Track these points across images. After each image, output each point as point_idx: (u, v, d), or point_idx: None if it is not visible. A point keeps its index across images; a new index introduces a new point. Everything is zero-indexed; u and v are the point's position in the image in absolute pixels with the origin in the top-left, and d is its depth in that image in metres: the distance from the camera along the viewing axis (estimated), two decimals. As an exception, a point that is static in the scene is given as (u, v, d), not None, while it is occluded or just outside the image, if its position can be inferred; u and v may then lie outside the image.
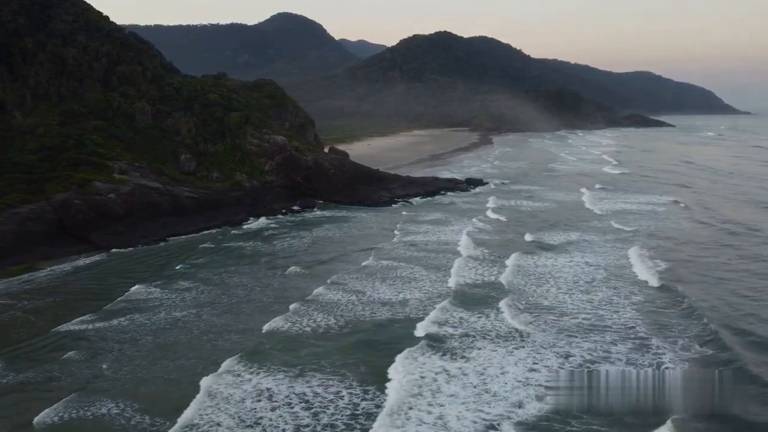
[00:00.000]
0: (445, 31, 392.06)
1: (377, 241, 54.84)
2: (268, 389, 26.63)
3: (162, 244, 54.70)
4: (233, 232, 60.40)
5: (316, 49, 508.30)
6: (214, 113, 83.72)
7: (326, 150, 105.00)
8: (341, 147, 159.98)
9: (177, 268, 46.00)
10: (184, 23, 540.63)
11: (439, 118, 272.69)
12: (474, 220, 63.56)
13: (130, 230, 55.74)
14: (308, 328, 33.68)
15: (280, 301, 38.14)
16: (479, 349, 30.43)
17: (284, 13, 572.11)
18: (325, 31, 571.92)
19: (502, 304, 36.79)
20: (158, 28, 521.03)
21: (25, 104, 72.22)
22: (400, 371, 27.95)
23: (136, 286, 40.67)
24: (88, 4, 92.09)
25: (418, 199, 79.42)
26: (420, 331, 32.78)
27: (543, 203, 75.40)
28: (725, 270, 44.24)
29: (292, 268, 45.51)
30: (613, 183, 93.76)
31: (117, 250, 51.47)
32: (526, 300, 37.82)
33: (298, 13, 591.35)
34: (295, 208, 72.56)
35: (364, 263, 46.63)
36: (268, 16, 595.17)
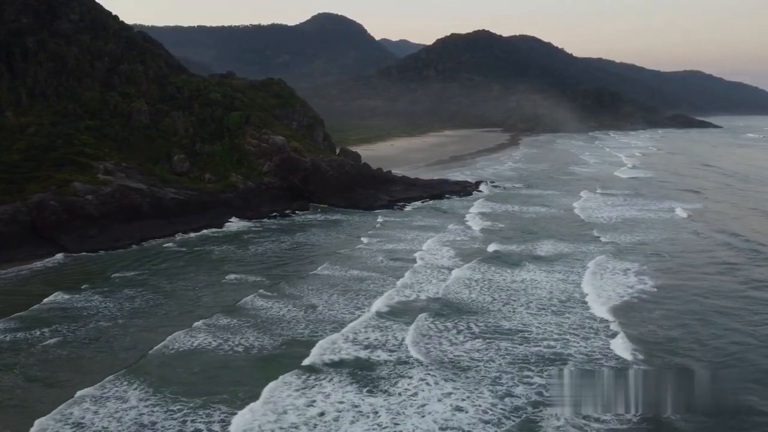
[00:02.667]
0: (483, 30, 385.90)
1: (350, 246, 52.81)
2: (126, 409, 25.02)
3: (134, 247, 53.05)
4: (211, 235, 58.61)
5: (355, 49, 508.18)
6: (213, 113, 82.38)
7: (338, 151, 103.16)
8: (364, 147, 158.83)
9: (125, 273, 44.27)
10: (227, 24, 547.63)
11: (473, 119, 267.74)
12: (451, 226, 60.86)
13: (102, 233, 54.39)
14: (204, 344, 31.49)
15: (199, 312, 36.32)
16: (403, 378, 27.39)
17: (325, 13, 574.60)
18: (365, 30, 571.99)
19: (440, 325, 33.69)
20: (201, 29, 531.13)
21: (21, 103, 72.07)
22: (268, 404, 24.99)
23: (58, 294, 38.90)
24: (97, 4, 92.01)
25: (418, 203, 76.35)
26: (323, 354, 29.92)
27: (540, 208, 72.00)
28: (702, 303, 38.55)
29: (233, 276, 43.77)
30: (621, 188, 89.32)
31: (80, 254, 49.97)
32: (468, 321, 34.51)
33: (339, 14, 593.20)
34: (287, 211, 70.37)
35: (313, 272, 44.74)
36: (309, 17, 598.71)
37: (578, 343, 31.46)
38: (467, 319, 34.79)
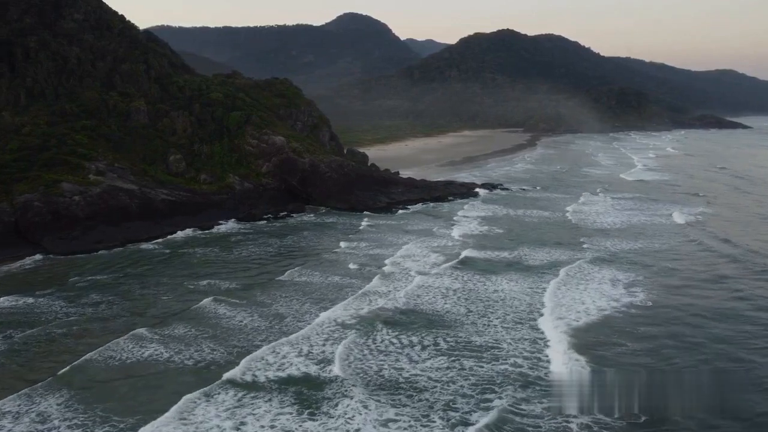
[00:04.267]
0: (507, 29, 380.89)
1: (329, 251, 51.40)
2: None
3: (116, 249, 52.06)
4: (199, 237, 57.51)
5: (379, 49, 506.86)
6: (214, 112, 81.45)
7: (345, 152, 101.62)
8: (378, 148, 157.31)
9: (96, 277, 43.58)
10: (252, 25, 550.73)
11: (494, 119, 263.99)
12: (442, 231, 58.86)
13: (85, 235, 53.59)
14: (139, 353, 30.20)
15: (150, 318, 35.15)
16: (344, 399, 25.45)
17: (350, 13, 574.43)
18: (390, 30, 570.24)
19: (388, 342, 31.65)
20: (227, 30, 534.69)
21: (19, 103, 71.92)
22: (179, 420, 23.54)
23: (10, 298, 38.05)
24: (104, 3, 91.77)
25: (418, 205, 74.30)
26: (254, 370, 28.12)
27: (542, 212, 69.74)
28: (681, 325, 34.87)
29: (205, 281, 42.59)
30: (624, 192, 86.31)
31: (60, 256, 49.12)
32: (436, 335, 32.36)
33: (365, 14, 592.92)
34: (283, 213, 68.92)
35: (281, 277, 43.37)
36: (334, 17, 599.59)
37: (547, 362, 29.25)
38: (436, 333, 32.80)
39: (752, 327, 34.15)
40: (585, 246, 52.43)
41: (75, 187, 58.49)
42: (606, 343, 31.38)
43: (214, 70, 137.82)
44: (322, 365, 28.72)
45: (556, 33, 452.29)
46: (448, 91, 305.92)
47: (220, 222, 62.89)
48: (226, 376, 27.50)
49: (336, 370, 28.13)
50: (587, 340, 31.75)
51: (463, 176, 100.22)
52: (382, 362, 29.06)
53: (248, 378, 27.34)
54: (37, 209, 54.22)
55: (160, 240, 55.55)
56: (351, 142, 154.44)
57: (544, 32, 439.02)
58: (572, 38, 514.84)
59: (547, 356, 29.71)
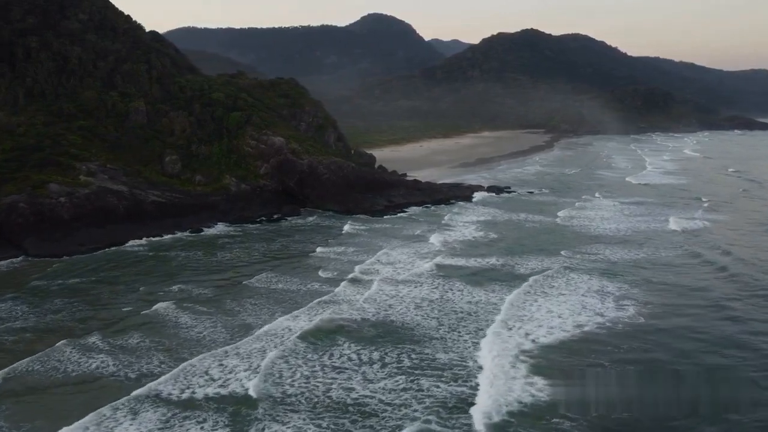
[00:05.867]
0: (531, 29, 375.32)
1: (305, 255, 50.04)
2: None
3: (97, 252, 51.00)
4: (185, 239, 56.35)
5: (403, 50, 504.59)
6: (214, 113, 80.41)
7: (352, 152, 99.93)
8: (392, 149, 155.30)
9: (68, 280, 42.53)
10: (277, 26, 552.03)
11: (515, 119, 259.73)
12: (433, 236, 56.55)
13: (68, 237, 52.67)
14: (55, 365, 28.79)
15: (94, 327, 33.76)
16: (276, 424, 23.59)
17: (374, 13, 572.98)
18: (414, 30, 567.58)
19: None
20: (251, 31, 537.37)
21: (18, 103, 71.68)
22: None
23: None
24: (110, 3, 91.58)
25: (417, 208, 72.29)
26: (189, 387, 26.31)
27: (543, 217, 67.24)
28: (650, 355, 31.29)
29: (176, 287, 41.25)
30: (625, 196, 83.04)
31: (39, 258, 48.24)
32: (401, 351, 30.13)
33: (389, 14, 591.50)
34: (277, 215, 67.44)
35: (250, 282, 42.07)
36: (358, 17, 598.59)
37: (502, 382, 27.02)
38: (401, 348, 30.79)
39: (748, 354, 31.21)
40: (563, 254, 49.94)
41: (62, 188, 57.72)
42: (574, 366, 28.86)
43: (234, 71, 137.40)
44: (268, 382, 26.93)
45: (583, 33, 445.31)
46: (469, 92, 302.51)
47: (211, 224, 61.62)
48: (164, 390, 25.87)
49: (280, 389, 26.29)
50: (553, 361, 29.24)
51: (472, 178, 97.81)
52: (332, 380, 27.18)
53: (185, 396, 25.70)
54: (21, 210, 53.53)
55: (145, 242, 54.46)
56: (366, 143, 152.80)
57: (570, 32, 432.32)
58: (599, 38, 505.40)
59: (503, 377, 27.42)
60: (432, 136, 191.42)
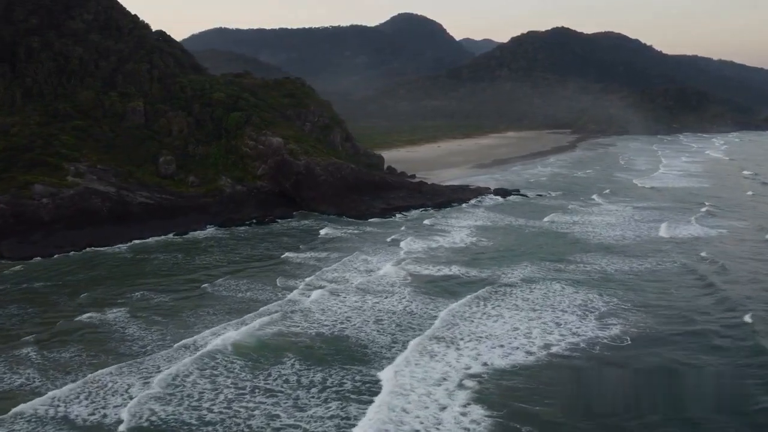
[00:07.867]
0: (562, 27, 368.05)
1: (273, 260, 48.17)
2: None
3: (73, 254, 49.83)
4: (169, 242, 55.09)
5: (432, 49, 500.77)
6: (213, 113, 79.18)
7: (360, 153, 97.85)
8: (408, 149, 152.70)
9: (33, 284, 41.30)
10: (308, 26, 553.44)
11: (542, 119, 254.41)
12: (418, 243, 53.78)
13: (46, 239, 51.73)
14: None
15: (31, 337, 32.25)
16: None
17: (405, 13, 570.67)
18: (444, 30, 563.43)
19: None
20: (282, 31, 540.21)
21: (15, 103, 71.43)
22: None
23: None
24: (117, 3, 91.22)
25: (416, 211, 69.82)
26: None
27: (544, 223, 64.01)
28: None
29: (139, 293, 39.79)
30: (627, 199, 79.09)
31: (13, 260, 47.22)
32: (344, 374, 27.68)
33: (420, 14, 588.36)
34: (268, 218, 65.61)
35: (210, 288, 40.58)
36: (388, 17, 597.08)
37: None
38: (348, 369, 28.35)
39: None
40: (551, 263, 46.94)
41: (47, 189, 56.94)
42: (522, 398, 25.85)
43: (263, 73, 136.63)
44: (182, 406, 24.82)
45: (617, 31, 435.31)
46: (496, 91, 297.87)
47: (200, 227, 60.04)
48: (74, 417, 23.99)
49: (195, 413, 24.17)
50: (502, 388, 26.39)
51: (483, 180, 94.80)
52: (257, 406, 24.89)
53: (96, 417, 23.79)
54: (2, 212, 52.78)
55: (126, 245, 53.17)
56: (384, 143, 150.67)
57: (603, 30, 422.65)
58: (633, 36, 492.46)
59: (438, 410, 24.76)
60: (452, 137, 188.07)
